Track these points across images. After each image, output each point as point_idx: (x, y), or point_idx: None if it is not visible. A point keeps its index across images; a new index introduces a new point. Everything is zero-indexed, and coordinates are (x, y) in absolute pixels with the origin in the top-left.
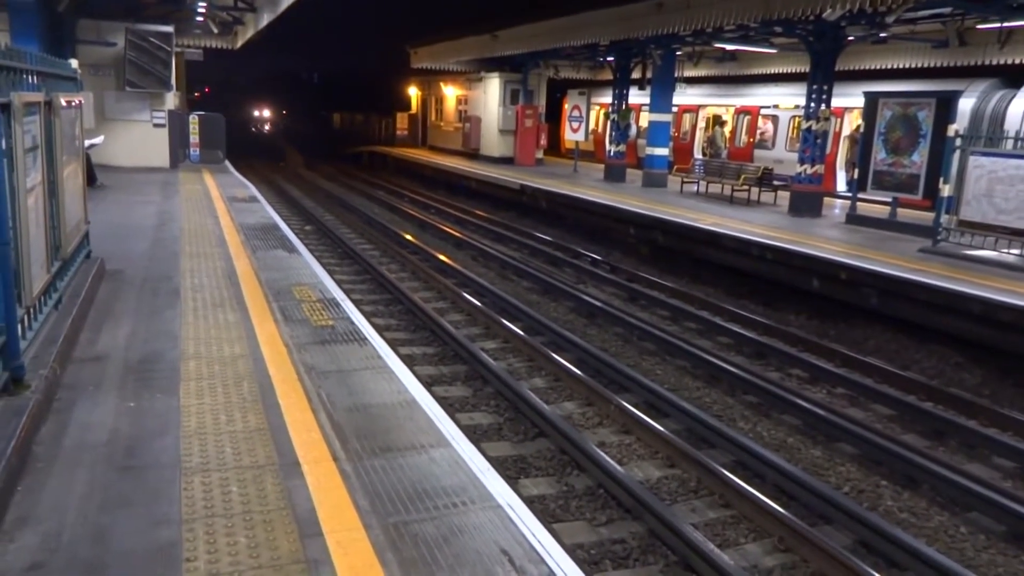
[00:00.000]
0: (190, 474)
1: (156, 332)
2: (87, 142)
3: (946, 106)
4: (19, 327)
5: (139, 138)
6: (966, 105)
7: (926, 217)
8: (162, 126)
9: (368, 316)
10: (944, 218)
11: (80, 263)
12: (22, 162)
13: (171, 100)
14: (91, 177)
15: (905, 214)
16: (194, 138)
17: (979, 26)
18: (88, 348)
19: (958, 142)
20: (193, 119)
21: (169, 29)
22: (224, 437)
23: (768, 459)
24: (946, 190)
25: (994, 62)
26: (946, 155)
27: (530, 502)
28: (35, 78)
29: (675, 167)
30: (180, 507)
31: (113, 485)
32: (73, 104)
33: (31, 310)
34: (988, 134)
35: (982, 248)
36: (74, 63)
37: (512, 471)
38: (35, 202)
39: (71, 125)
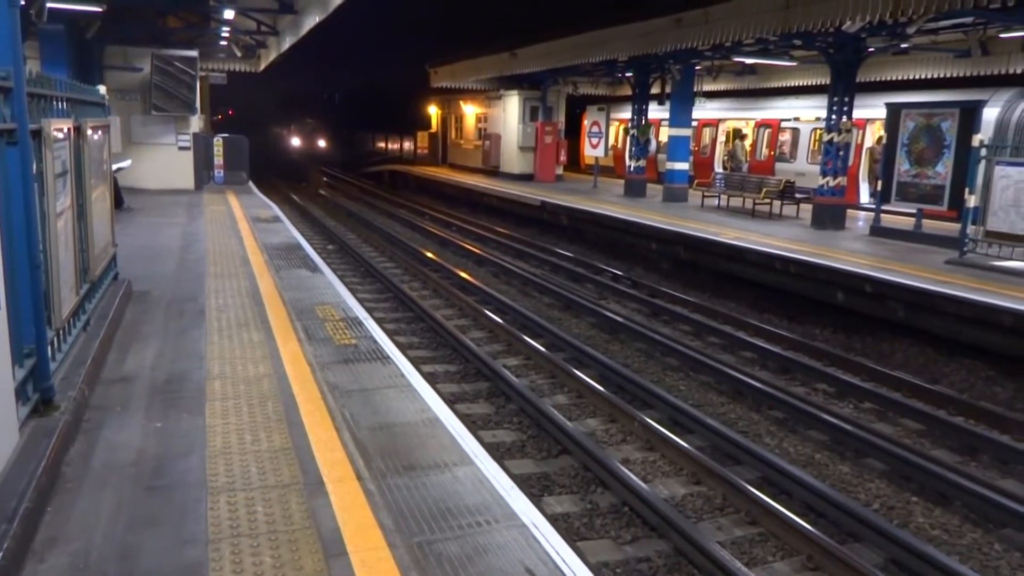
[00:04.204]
0: (216, 494)
1: (182, 352)
2: (115, 166)
3: (970, 116)
4: (49, 349)
5: (165, 161)
6: (990, 115)
7: (952, 228)
8: (187, 149)
9: (390, 334)
10: (970, 229)
11: (108, 285)
12: (52, 187)
13: (196, 123)
14: (118, 200)
15: (930, 225)
16: (218, 160)
17: (1002, 35)
18: (116, 369)
19: (983, 152)
20: (217, 141)
21: (194, 54)
22: (249, 457)
23: (795, 475)
24: (972, 201)
25: (1018, 71)
26: (971, 165)
27: (554, 520)
28: (64, 104)
29: (696, 181)
30: (206, 527)
31: (140, 505)
32: (101, 129)
33: (60, 332)
34: (1014, 144)
35: (1010, 259)
36: (102, 89)
37: (536, 489)
38: (64, 226)
39: (99, 149)
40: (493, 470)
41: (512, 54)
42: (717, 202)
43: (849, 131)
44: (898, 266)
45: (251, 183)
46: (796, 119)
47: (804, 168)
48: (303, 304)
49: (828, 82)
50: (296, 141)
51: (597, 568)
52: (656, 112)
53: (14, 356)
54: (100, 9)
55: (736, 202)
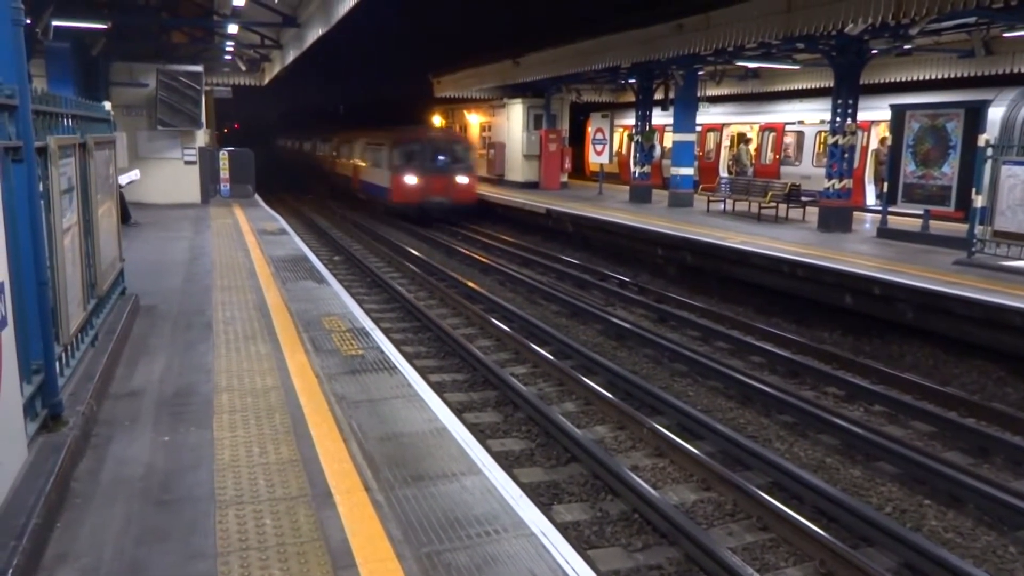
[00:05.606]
0: (224, 507)
1: (190, 366)
2: (123, 178)
3: (975, 116)
4: (57, 365)
5: (171, 175)
6: (995, 114)
7: (959, 229)
8: (193, 163)
9: (397, 344)
10: (978, 229)
11: (115, 300)
12: (58, 203)
13: (201, 137)
14: (125, 215)
15: (937, 226)
16: (224, 173)
17: (1005, 34)
18: (124, 383)
19: (989, 152)
20: (223, 155)
21: (198, 69)
22: (257, 469)
23: (806, 480)
24: (979, 201)
25: (1023, 70)
26: (977, 165)
27: (564, 529)
28: (70, 121)
29: (701, 186)
30: (215, 540)
31: (149, 519)
32: (107, 145)
33: (68, 347)
34: (1020, 143)
35: (1019, 258)
36: (107, 105)
37: (545, 497)
38: (71, 242)
39: (105, 165)
40: (502, 479)
41: (515, 63)
42: (722, 206)
43: (854, 133)
44: (906, 268)
45: (257, 196)
46: (800, 122)
47: (809, 171)
48: (310, 315)
49: (832, 85)
50: (412, 179)
51: None
52: (660, 118)
53: (22, 372)
54: (105, 26)
55: (741, 206)
